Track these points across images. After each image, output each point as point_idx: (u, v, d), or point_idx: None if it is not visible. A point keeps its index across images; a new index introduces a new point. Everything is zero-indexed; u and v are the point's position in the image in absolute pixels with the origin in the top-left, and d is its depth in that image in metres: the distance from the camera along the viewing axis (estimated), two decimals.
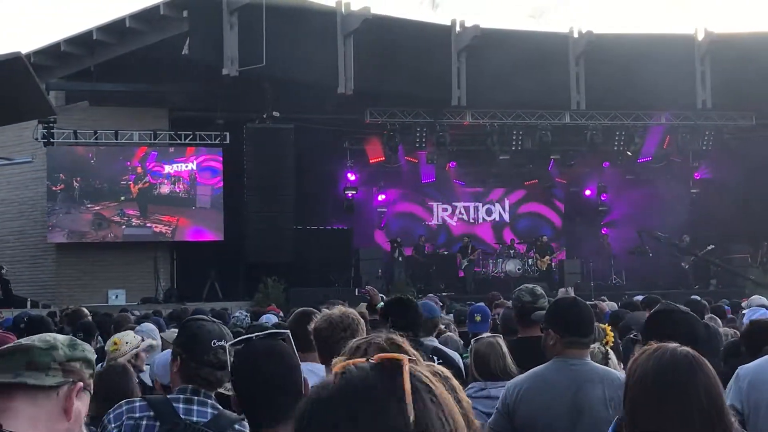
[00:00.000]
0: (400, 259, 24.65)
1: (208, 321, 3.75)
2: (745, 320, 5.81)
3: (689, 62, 23.51)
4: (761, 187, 24.02)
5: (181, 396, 3.52)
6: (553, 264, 25.63)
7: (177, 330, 4.61)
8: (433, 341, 6.55)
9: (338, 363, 1.43)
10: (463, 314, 9.89)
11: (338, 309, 4.47)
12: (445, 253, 25.57)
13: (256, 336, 3.02)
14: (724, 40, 23.57)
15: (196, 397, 3.45)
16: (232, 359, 2.99)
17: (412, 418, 1.34)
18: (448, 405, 1.44)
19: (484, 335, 5.68)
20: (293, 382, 2.89)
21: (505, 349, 5.25)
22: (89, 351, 2.64)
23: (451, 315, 10.66)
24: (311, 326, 4.41)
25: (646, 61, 22.29)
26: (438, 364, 4.43)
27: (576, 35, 23.27)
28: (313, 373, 3.64)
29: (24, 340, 2.57)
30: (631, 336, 3.78)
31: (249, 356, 2.96)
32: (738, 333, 6.32)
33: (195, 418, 3.46)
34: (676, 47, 23.43)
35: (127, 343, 6.14)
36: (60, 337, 2.60)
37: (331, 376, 1.41)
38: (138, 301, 21.55)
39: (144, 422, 3.45)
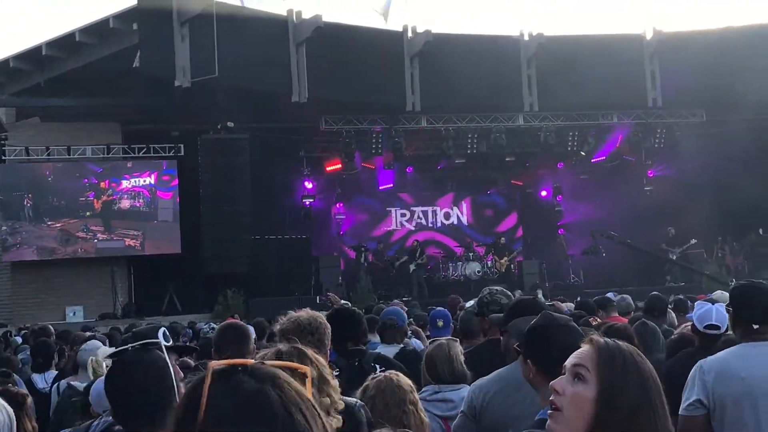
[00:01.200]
0: (366, 264, 24.69)
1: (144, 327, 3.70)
2: (693, 315, 5.88)
3: (639, 61, 23.79)
4: (713, 183, 24.34)
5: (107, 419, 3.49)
6: (512, 265, 25.79)
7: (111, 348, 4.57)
8: (395, 347, 6.57)
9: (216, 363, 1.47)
10: (423, 319, 9.92)
11: (306, 312, 4.44)
12: (405, 258, 25.61)
13: (131, 347, 3.00)
14: (673, 39, 23.87)
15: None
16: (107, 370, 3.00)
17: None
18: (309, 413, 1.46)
19: (442, 339, 5.70)
20: (162, 391, 2.87)
21: (456, 351, 5.24)
22: None
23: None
24: (276, 328, 4.38)
25: (597, 62, 22.52)
26: (380, 371, 4.39)
27: (527, 38, 23.43)
28: None
29: None
30: (515, 346, 3.74)
31: (118, 367, 2.97)
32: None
33: None
34: (625, 47, 23.70)
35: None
36: None
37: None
38: (96, 317, 21.31)
39: None
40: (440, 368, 5.21)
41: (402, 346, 7.15)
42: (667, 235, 25.56)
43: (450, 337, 5.81)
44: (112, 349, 4.95)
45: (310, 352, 2.94)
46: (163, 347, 2.99)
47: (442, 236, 28.22)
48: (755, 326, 4.61)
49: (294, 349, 2.93)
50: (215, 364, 1.46)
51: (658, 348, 6.68)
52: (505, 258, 25.67)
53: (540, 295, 17.09)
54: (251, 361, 1.48)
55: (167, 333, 3.21)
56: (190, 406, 1.42)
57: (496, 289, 5.63)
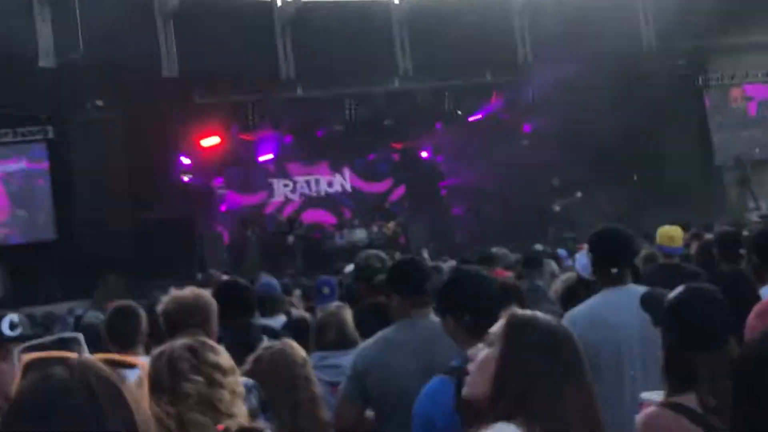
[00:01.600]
0: (253, 239, 24.37)
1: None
2: (576, 264, 6.01)
3: (508, 18, 24.19)
4: (586, 135, 24.95)
5: None
6: (399, 229, 25.90)
7: None
8: (274, 320, 6.51)
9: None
10: (310, 290, 9.86)
11: (190, 290, 4.30)
12: (283, 230, 25.33)
13: (46, 341, 2.86)
14: None
15: None
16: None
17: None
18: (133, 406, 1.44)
19: (332, 306, 5.68)
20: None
21: (345, 317, 5.24)
22: None
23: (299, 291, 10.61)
24: (159, 309, 4.25)
25: (467, 22, 22.78)
26: (269, 340, 4.31)
27: (397, 1, 23.49)
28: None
29: None
30: (433, 306, 3.77)
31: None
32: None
33: None
34: (493, 5, 24.05)
35: None
36: None
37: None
38: None
39: None
40: (328, 334, 5.20)
41: (285, 317, 7.09)
42: (551, 185, 26.10)
43: (340, 303, 5.81)
44: None
45: (210, 341, 2.86)
46: (79, 341, 2.85)
47: (326, 205, 28.14)
48: (614, 270, 4.67)
49: (199, 342, 2.83)
50: (29, 357, 1.45)
51: (547, 300, 6.81)
52: (392, 222, 25.78)
53: (426, 255, 17.25)
54: (71, 354, 1.47)
55: (14, 322, 3.03)
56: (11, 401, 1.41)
57: (371, 253, 5.66)
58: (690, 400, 2.77)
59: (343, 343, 5.11)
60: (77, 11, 19.15)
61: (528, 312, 2.56)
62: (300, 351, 4.14)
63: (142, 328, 4.93)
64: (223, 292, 5.36)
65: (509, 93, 25.21)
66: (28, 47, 19.39)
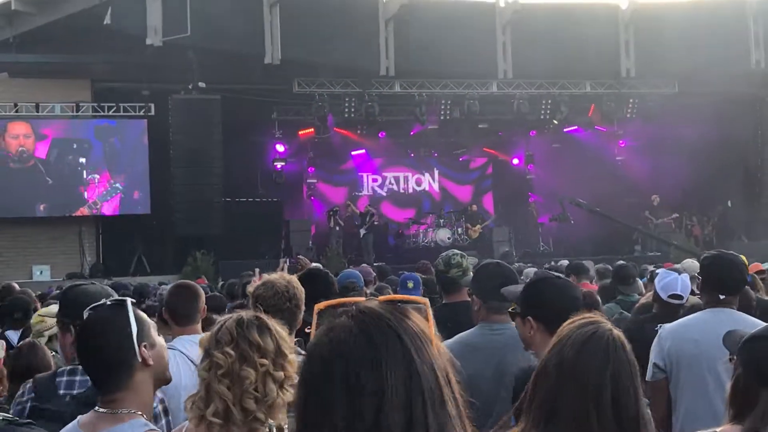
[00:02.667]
0: (337, 228, 24.63)
1: (89, 284, 3.65)
2: (657, 282, 5.92)
3: (614, 31, 23.77)
4: (683, 154, 24.52)
5: (66, 368, 3.45)
6: (483, 233, 25.85)
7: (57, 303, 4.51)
8: None
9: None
10: (394, 283, 9.92)
11: (281, 276, 4.38)
12: (375, 223, 25.57)
13: (102, 303, 2.96)
14: (647, 9, 23.89)
15: (79, 367, 3.37)
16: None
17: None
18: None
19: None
20: (116, 352, 2.86)
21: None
22: None
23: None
24: (249, 289, 4.34)
25: (572, 30, 22.50)
26: None
27: (502, 4, 23.33)
28: (195, 344, 3.55)
29: None
30: (510, 309, 3.75)
31: (81, 327, 2.95)
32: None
33: (75, 391, 3.39)
34: (600, 16, 23.65)
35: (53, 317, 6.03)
36: None
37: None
38: (63, 276, 21.16)
39: (28, 404, 3.40)
40: None
41: None
42: (651, 204, 25.72)
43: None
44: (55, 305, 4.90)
45: (272, 323, 2.90)
46: (128, 305, 2.95)
47: (413, 202, 28.22)
48: (722, 296, 4.69)
49: (255, 318, 2.89)
50: (322, 304, 1.58)
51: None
52: (478, 225, 25.74)
53: (509, 258, 17.17)
54: (354, 300, 1.58)
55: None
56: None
57: (455, 253, 5.67)
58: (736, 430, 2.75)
59: None
60: None
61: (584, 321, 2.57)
62: None
63: (200, 306, 5.06)
64: (308, 280, 5.45)
65: (608, 106, 24.83)
66: (137, 24, 19.82)
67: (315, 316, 1.55)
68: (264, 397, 2.73)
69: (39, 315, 6.12)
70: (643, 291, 8.73)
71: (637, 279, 8.91)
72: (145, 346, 2.86)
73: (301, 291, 4.30)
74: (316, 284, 5.34)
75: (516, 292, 3.78)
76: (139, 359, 2.84)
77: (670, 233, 25.11)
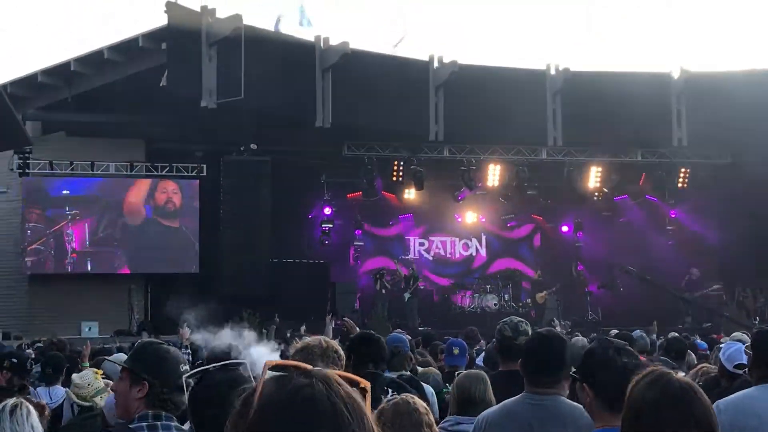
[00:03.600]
0: (383, 291, 24.63)
1: (166, 344, 3.70)
2: (721, 354, 5.83)
3: (665, 100, 23.69)
4: (736, 225, 24.19)
5: (144, 423, 3.45)
6: (547, 299, 25.49)
7: (128, 354, 4.54)
8: (401, 374, 6.53)
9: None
10: (439, 349, 9.87)
11: (321, 339, 4.38)
12: (422, 287, 25.48)
13: (213, 367, 2.99)
14: (700, 78, 23.80)
15: (159, 422, 3.38)
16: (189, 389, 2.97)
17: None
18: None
19: (471, 370, 5.69)
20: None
21: (485, 382, 5.23)
22: None
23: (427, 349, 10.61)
24: (290, 352, 4.35)
25: (623, 99, 22.45)
26: (392, 396, 4.35)
27: (553, 72, 23.43)
28: None
29: None
30: (571, 372, 3.73)
31: (212, 386, 2.94)
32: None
33: None
34: (652, 85, 23.60)
35: (89, 384, 6.13)
36: None
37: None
38: (111, 333, 21.32)
39: None
40: (468, 398, 5.20)
41: (410, 372, 7.13)
42: (690, 277, 25.32)
43: (479, 370, 5.83)
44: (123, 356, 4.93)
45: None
46: (246, 367, 3.02)
47: (459, 267, 28.11)
48: None
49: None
50: (270, 361, 1.56)
51: None
52: (545, 292, 25.44)
53: (558, 327, 16.97)
54: (307, 366, 1.55)
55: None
56: (246, 403, 1.52)
57: (513, 320, 5.64)
58: None
59: (482, 407, 5.10)
60: (242, 56, 19.88)
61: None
62: (421, 402, 4.17)
63: None
64: (356, 343, 5.46)
65: (659, 175, 24.67)
66: (193, 87, 20.20)
67: (264, 372, 1.54)
68: None
69: (77, 383, 6.18)
70: (694, 363, 8.57)
71: (690, 352, 8.77)
72: None
73: (340, 355, 4.31)
74: (369, 347, 5.36)
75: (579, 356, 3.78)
76: None
77: (721, 305, 24.69)
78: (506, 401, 4.43)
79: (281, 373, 1.53)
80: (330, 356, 4.27)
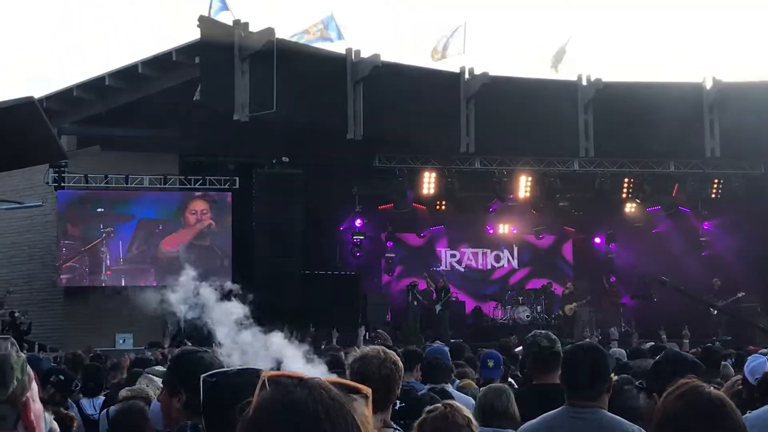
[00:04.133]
0: (415, 303, 24.63)
1: (202, 352, 3.71)
2: (746, 368, 5.78)
3: (698, 111, 23.52)
4: None
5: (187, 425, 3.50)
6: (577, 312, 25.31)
7: (166, 367, 4.59)
8: (433, 387, 6.54)
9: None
10: (472, 361, 9.83)
11: (380, 349, 4.40)
12: (454, 299, 25.43)
13: (230, 371, 3.01)
14: (733, 89, 23.62)
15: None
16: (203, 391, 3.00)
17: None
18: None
19: (494, 384, 5.68)
20: None
21: (510, 396, 5.21)
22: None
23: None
24: (348, 361, 4.38)
25: (655, 109, 22.33)
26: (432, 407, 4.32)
27: (585, 83, 23.35)
28: None
29: None
30: (637, 383, 3.76)
31: (226, 389, 2.97)
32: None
33: None
34: (684, 96, 23.44)
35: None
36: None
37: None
38: (145, 345, 21.46)
39: None
40: (494, 411, 5.19)
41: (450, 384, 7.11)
42: (712, 287, 25.08)
43: (503, 383, 5.81)
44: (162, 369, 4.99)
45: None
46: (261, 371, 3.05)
47: (491, 278, 28.01)
48: None
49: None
50: (268, 373, 1.65)
51: None
52: (574, 304, 25.25)
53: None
54: (299, 374, 1.64)
55: None
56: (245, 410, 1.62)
57: (542, 333, 5.62)
58: None
59: (508, 421, 5.09)
60: (275, 69, 19.99)
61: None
62: (463, 411, 4.16)
63: None
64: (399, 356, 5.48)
65: (691, 186, 24.49)
66: (225, 100, 20.34)
67: (260, 382, 1.64)
68: None
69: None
70: (732, 375, 8.49)
71: (726, 364, 8.70)
72: None
73: (399, 367, 4.32)
74: (408, 361, 5.39)
75: (600, 375, 3.78)
76: None
77: (756, 316, 24.42)
78: (546, 414, 4.38)
79: (276, 383, 1.63)
80: (387, 366, 4.28)
